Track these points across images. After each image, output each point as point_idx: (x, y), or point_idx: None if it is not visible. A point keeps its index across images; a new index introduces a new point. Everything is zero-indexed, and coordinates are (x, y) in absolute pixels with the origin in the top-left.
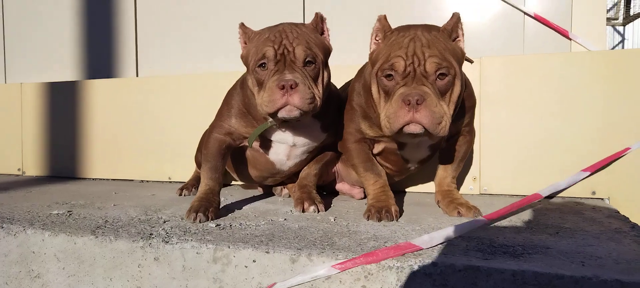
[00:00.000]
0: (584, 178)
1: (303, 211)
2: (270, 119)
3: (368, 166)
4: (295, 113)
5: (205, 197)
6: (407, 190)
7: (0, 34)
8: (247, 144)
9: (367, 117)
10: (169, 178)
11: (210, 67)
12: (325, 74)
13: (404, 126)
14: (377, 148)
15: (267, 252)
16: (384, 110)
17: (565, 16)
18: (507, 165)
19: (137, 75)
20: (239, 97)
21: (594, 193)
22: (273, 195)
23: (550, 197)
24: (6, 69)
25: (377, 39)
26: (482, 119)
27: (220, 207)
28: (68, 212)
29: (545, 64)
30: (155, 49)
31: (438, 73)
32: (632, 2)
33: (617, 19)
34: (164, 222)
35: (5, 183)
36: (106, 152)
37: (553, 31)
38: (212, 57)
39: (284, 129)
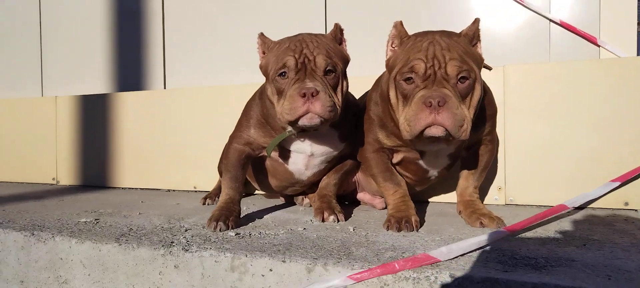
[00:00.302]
0: (613, 189)
1: (323, 221)
2: (289, 129)
3: (387, 176)
4: (316, 121)
5: (226, 207)
6: (429, 200)
7: (38, 49)
8: (266, 154)
9: (384, 127)
10: (194, 187)
11: (234, 79)
12: (345, 83)
13: (425, 129)
14: (396, 157)
15: (284, 261)
16: (404, 114)
17: (593, 22)
18: (534, 175)
19: (165, 88)
20: (257, 107)
21: (626, 204)
22: (294, 204)
23: (581, 207)
24: (43, 83)
25: (393, 45)
26: (506, 128)
27: (242, 216)
28: (95, 220)
29: (571, 72)
30: (182, 62)
31: (459, 76)
32: None
33: None
34: (186, 230)
35: (40, 192)
36: (135, 162)
37: (580, 38)
38: (236, 69)
39: (302, 139)
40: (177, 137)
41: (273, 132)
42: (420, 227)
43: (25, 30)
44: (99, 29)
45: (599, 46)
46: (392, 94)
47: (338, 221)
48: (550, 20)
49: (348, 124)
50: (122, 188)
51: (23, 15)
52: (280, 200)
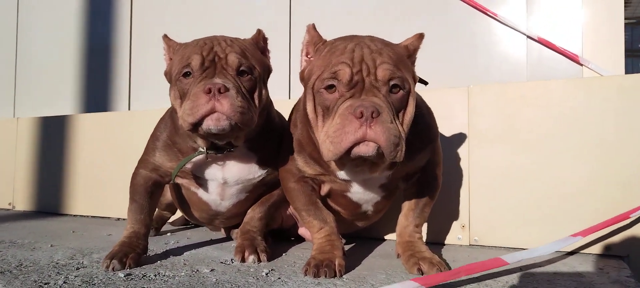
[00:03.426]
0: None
1: (243, 260)
2: (200, 148)
3: (311, 211)
4: (224, 123)
5: (128, 242)
6: (385, 237)
7: (12, 72)
8: (173, 181)
9: (303, 150)
10: None
11: None
12: (264, 91)
13: (353, 146)
14: (324, 189)
15: None
16: (324, 130)
17: (575, 38)
18: (502, 212)
19: (129, 109)
20: (165, 128)
21: (609, 249)
22: (231, 238)
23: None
24: (15, 104)
25: (308, 55)
26: (472, 158)
27: (164, 250)
28: None
29: (546, 93)
30: (146, 85)
31: (391, 83)
32: None
33: None
34: (77, 268)
35: None
36: (89, 188)
37: (561, 57)
38: None
39: (216, 163)
40: (135, 161)
41: (180, 155)
42: (345, 272)
43: (1, 54)
44: (69, 52)
45: (581, 65)
46: (309, 107)
47: (259, 261)
48: (528, 36)
49: (270, 148)
50: (73, 215)
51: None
52: (222, 234)
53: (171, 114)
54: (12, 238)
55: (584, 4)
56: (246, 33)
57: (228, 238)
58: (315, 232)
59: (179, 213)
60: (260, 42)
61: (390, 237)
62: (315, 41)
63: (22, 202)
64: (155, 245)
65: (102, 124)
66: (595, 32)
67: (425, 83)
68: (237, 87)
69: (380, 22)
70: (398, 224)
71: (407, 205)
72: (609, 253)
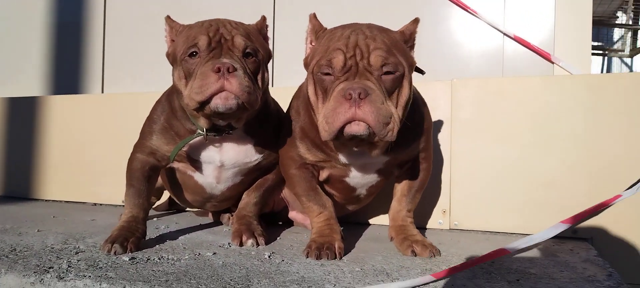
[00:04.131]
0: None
1: (241, 245)
2: (198, 130)
3: (311, 196)
4: (232, 102)
5: (127, 227)
6: (370, 221)
7: None
8: (171, 163)
9: (306, 137)
10: (123, 202)
11: None
12: (266, 74)
13: (344, 125)
14: (323, 175)
15: None
16: (322, 112)
17: (548, 38)
18: (481, 199)
19: (102, 92)
20: (162, 110)
21: (575, 232)
22: (221, 223)
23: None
24: None
25: (312, 42)
26: (453, 147)
27: (156, 235)
28: None
29: (522, 88)
30: (122, 66)
31: (384, 68)
32: (639, 33)
33: (623, 50)
34: (77, 253)
35: None
36: (62, 172)
37: (535, 55)
38: None
39: (213, 144)
40: (109, 146)
41: (177, 138)
42: (344, 255)
43: None
44: (36, 28)
45: (553, 63)
46: (311, 91)
47: (257, 245)
48: (504, 34)
49: (267, 133)
50: (45, 200)
51: None
52: (208, 219)
53: (168, 96)
54: None
55: (557, 6)
56: (228, 15)
57: (217, 223)
58: (315, 216)
59: (163, 198)
60: (263, 29)
61: (374, 221)
62: (316, 29)
63: None
64: (147, 230)
65: (73, 107)
66: (566, 32)
67: (422, 72)
68: (243, 67)
69: (362, 16)
70: (391, 209)
71: (399, 191)
72: (574, 235)
